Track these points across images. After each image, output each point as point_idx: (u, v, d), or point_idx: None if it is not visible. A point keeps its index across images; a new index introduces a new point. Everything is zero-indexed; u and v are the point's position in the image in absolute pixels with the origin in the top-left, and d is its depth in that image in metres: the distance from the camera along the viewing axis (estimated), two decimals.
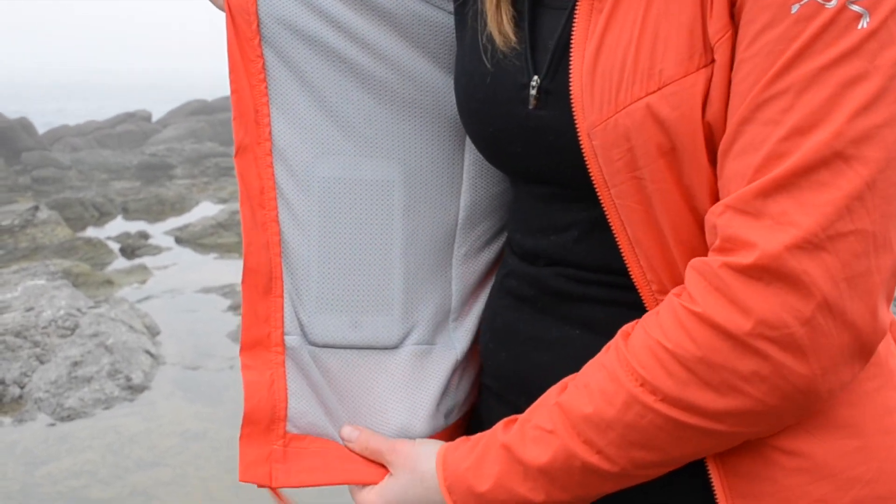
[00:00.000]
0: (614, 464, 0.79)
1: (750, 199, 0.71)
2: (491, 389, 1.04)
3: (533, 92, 0.89)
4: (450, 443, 0.94)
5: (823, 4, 0.70)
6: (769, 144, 0.71)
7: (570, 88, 0.83)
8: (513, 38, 0.92)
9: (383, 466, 0.99)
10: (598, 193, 0.83)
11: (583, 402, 0.80)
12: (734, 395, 0.73)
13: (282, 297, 1.03)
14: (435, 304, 1.09)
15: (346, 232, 1.05)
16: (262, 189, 1.03)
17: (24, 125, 15.34)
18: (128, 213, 11.09)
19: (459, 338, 1.09)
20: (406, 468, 0.95)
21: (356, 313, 1.05)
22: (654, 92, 0.76)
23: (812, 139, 0.69)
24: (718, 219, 0.74)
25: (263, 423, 1.00)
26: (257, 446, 0.99)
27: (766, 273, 0.70)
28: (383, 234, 1.06)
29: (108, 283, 7.31)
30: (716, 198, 0.77)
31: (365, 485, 0.98)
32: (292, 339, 1.03)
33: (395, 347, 1.07)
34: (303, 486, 0.99)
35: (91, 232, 9.80)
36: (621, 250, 0.84)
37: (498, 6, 0.93)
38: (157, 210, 11.21)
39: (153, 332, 5.85)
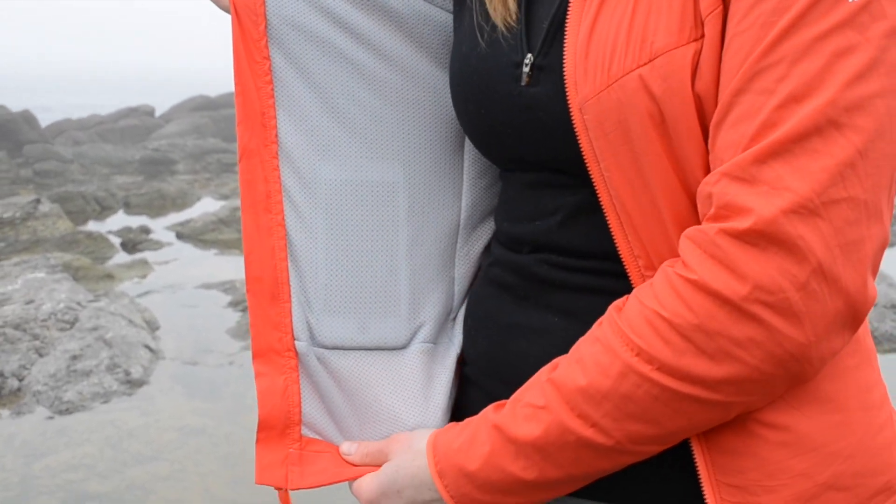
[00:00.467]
0: (609, 437, 0.79)
1: (746, 165, 0.72)
2: (471, 380, 1.05)
3: (526, 69, 0.90)
4: (440, 428, 0.95)
5: None
6: (764, 113, 0.72)
7: (564, 63, 0.84)
8: (513, 14, 0.93)
9: None
10: (588, 168, 0.84)
11: (576, 376, 0.80)
12: (730, 363, 0.74)
13: (289, 301, 1.04)
14: (440, 304, 1.09)
15: (352, 234, 1.05)
16: (267, 193, 1.04)
17: (27, 118, 15.34)
18: (129, 208, 11.09)
19: (457, 333, 1.10)
20: (401, 450, 0.96)
21: (363, 315, 1.05)
22: (646, 64, 0.78)
23: (806, 107, 0.71)
24: (713, 187, 0.75)
25: (279, 427, 1.02)
26: (273, 450, 1.02)
27: (761, 238, 0.71)
28: (389, 236, 1.06)
29: (109, 277, 7.31)
30: (707, 170, 0.78)
31: None
32: (301, 344, 1.04)
33: (402, 348, 1.07)
34: (316, 487, 1.01)
35: (92, 226, 9.81)
36: (609, 226, 0.84)
37: None
38: (158, 205, 11.21)
39: (153, 326, 5.85)
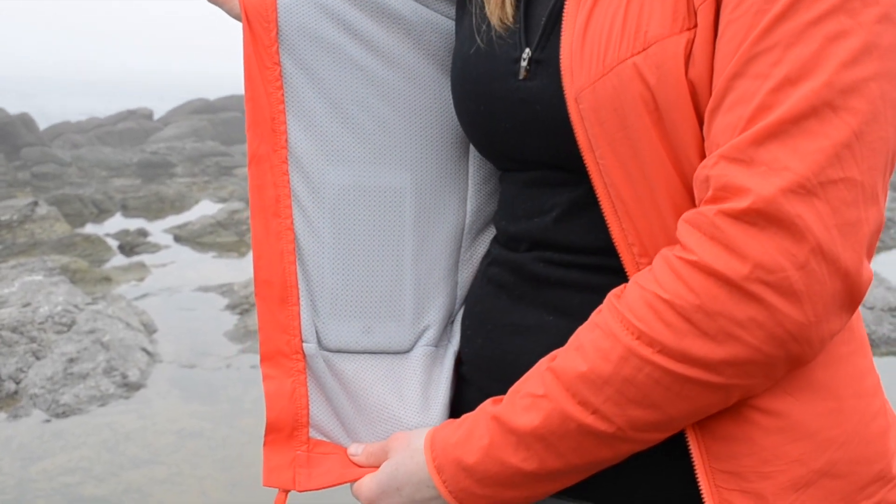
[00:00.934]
0: (611, 423, 0.79)
1: (743, 147, 0.73)
2: (467, 379, 1.05)
3: (524, 63, 0.91)
4: (438, 426, 0.94)
5: None
6: (759, 96, 0.73)
7: (560, 55, 0.86)
8: (510, 14, 0.95)
9: None
10: (583, 157, 0.84)
11: (576, 362, 0.80)
12: (731, 343, 0.74)
13: (298, 305, 1.05)
14: (443, 309, 1.10)
15: (360, 239, 1.06)
16: (277, 198, 1.05)
17: (25, 121, 15.34)
18: (127, 211, 11.09)
19: (455, 333, 1.11)
20: (399, 448, 0.96)
21: (368, 319, 1.06)
22: (640, 52, 0.79)
23: (802, 89, 0.72)
24: (711, 170, 0.75)
25: (286, 430, 1.03)
26: (281, 452, 1.03)
27: (760, 217, 0.71)
28: (395, 241, 1.07)
29: (106, 279, 7.30)
30: (702, 156, 0.79)
31: None
32: (309, 347, 1.05)
33: (406, 352, 1.08)
34: (323, 488, 1.01)
35: (90, 229, 9.80)
36: (604, 215, 0.85)
37: None
38: (156, 208, 11.21)
39: (150, 329, 5.84)
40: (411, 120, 1.08)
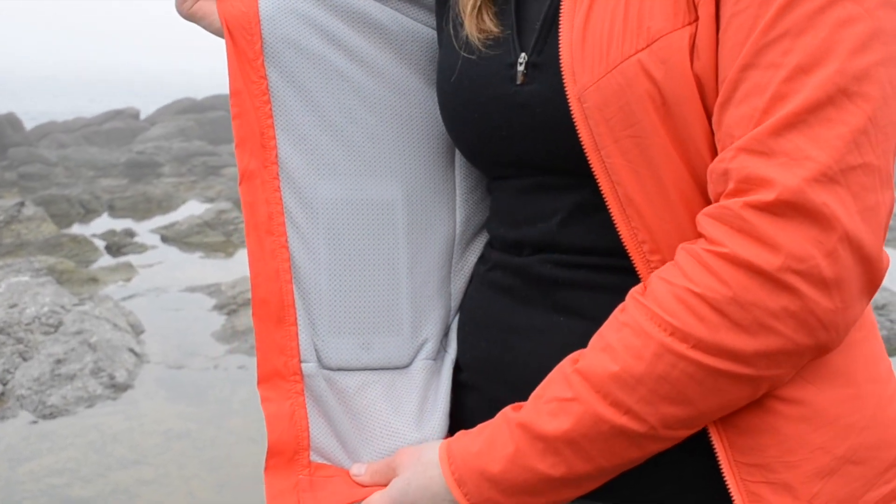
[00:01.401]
0: (643, 423, 0.78)
1: (763, 138, 0.73)
2: (469, 386, 1.04)
3: (521, 68, 0.91)
4: (451, 437, 0.92)
5: None
6: (773, 86, 0.74)
7: (560, 56, 0.86)
8: (495, 30, 0.94)
9: None
10: (588, 157, 0.84)
11: (606, 363, 0.79)
12: (765, 334, 0.74)
13: (295, 325, 1.03)
14: (440, 321, 1.09)
15: (354, 254, 1.05)
16: (270, 215, 1.03)
17: (11, 121, 15.27)
18: (114, 211, 11.05)
19: (451, 342, 1.10)
20: (410, 463, 0.94)
21: (366, 335, 1.05)
22: (644, 48, 0.79)
23: (816, 77, 0.73)
24: (730, 163, 0.75)
25: (287, 454, 1.01)
26: (283, 477, 1.00)
27: (788, 208, 0.72)
28: (389, 254, 1.06)
29: (93, 280, 7.28)
30: (711, 149, 0.80)
31: None
32: (309, 367, 1.03)
33: (406, 366, 1.07)
34: None
35: (77, 229, 9.76)
36: (611, 215, 0.85)
37: (476, 9, 0.96)
38: (143, 208, 11.17)
39: (137, 330, 5.83)
40: (398, 130, 1.07)
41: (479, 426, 0.89)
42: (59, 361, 4.94)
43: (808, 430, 0.80)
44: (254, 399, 4.67)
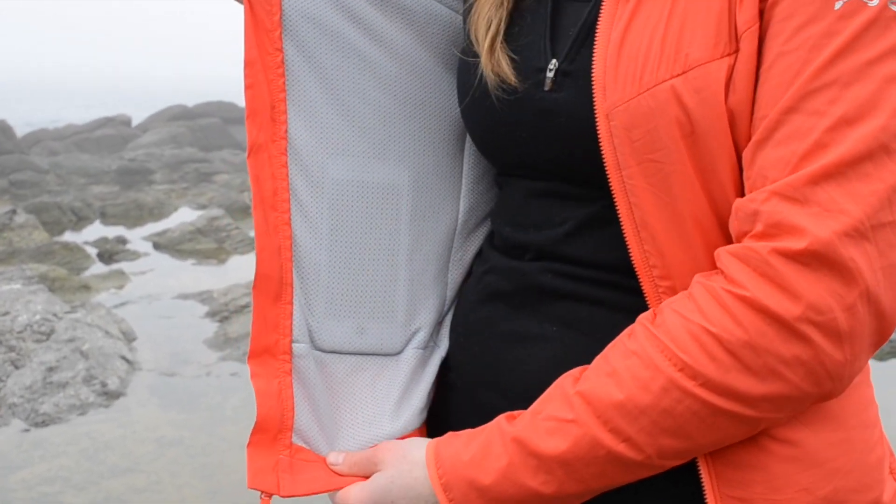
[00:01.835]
0: (640, 452, 0.79)
1: (799, 186, 0.73)
2: (456, 386, 1.04)
3: (550, 74, 0.90)
4: (439, 438, 0.91)
5: (866, 3, 0.74)
6: (815, 133, 0.73)
7: (593, 69, 0.84)
8: (512, 79, 0.93)
9: None
10: (608, 175, 0.83)
11: (611, 390, 0.79)
12: (774, 380, 0.75)
13: (291, 303, 1.02)
14: (434, 310, 1.09)
15: (355, 236, 1.05)
16: (275, 190, 1.01)
17: (2, 128, 15.21)
18: (106, 218, 11.03)
19: (443, 337, 1.10)
20: (394, 460, 0.93)
21: (362, 319, 1.05)
22: (679, 75, 0.78)
23: (859, 131, 0.72)
24: (762, 205, 0.75)
25: (272, 432, 0.99)
26: (265, 455, 0.99)
27: (815, 259, 0.72)
28: (390, 240, 1.06)
29: (85, 288, 7.27)
30: (736, 185, 0.80)
31: None
32: (300, 347, 1.02)
33: (397, 354, 1.07)
34: (309, 494, 0.99)
35: (68, 236, 9.74)
36: (624, 235, 0.84)
37: (492, 48, 0.95)
38: (135, 215, 11.15)
39: (129, 337, 5.83)
40: (411, 113, 1.06)
41: (470, 432, 0.89)
42: (51, 369, 4.94)
43: (796, 470, 0.81)
44: (246, 406, 4.68)
